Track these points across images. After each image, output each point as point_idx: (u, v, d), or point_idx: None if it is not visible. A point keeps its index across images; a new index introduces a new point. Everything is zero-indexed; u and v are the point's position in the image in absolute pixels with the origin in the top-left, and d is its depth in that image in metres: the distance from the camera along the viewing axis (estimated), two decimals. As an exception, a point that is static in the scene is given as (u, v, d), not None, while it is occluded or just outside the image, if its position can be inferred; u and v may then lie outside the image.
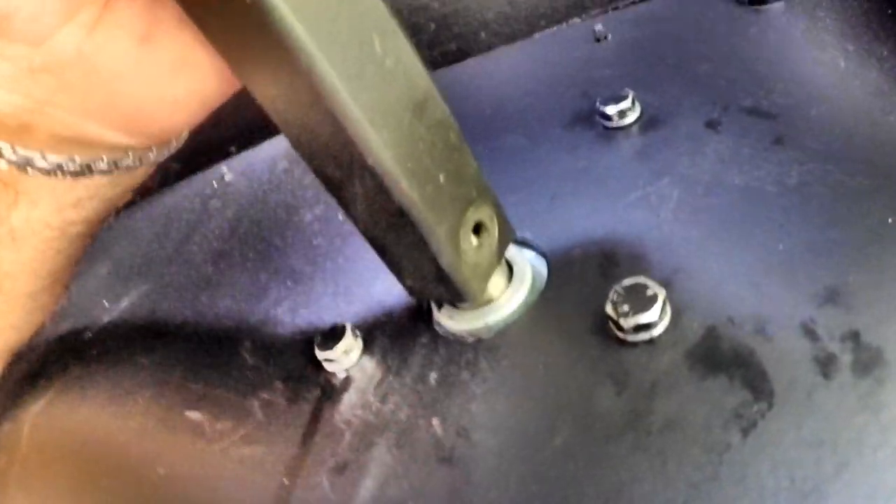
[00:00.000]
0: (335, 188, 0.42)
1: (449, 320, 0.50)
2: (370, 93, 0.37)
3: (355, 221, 0.44)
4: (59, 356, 0.75)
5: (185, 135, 0.51)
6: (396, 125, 0.38)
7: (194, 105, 0.43)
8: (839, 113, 0.52)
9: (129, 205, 0.94)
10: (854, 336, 0.39)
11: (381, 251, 0.45)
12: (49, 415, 0.67)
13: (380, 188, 0.39)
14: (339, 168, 0.40)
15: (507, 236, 0.48)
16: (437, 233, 0.41)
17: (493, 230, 0.46)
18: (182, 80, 0.41)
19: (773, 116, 0.54)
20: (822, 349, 0.39)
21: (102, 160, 0.46)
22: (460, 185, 0.43)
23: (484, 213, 0.45)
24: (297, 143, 0.40)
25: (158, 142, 0.48)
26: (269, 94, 0.38)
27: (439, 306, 0.52)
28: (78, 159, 0.45)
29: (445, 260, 0.43)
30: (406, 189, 0.39)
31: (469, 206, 0.44)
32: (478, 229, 0.45)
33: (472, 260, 0.45)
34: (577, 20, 0.76)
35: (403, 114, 0.39)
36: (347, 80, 0.36)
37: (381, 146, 0.37)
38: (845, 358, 0.38)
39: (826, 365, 0.38)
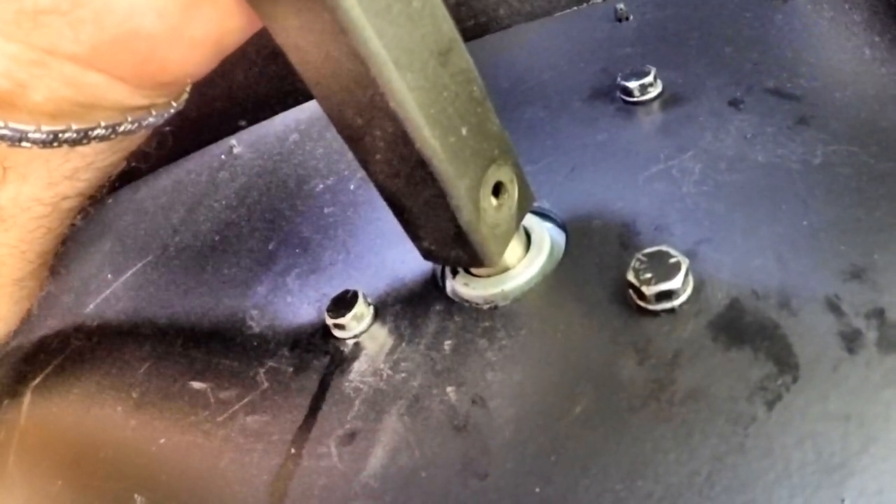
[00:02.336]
0: (354, 138, 0.41)
1: (464, 287, 0.49)
2: (395, 31, 0.36)
3: (373, 175, 0.42)
4: (59, 330, 0.74)
5: (185, 95, 0.49)
6: (420, 69, 0.37)
7: (209, 47, 0.41)
8: (864, 98, 0.51)
9: (134, 179, 0.94)
10: (879, 313, 0.38)
11: (398, 209, 0.44)
12: (49, 388, 0.67)
13: (400, 136, 0.38)
14: (360, 114, 0.38)
15: (528, 201, 0.47)
16: (457, 187, 0.40)
17: (514, 192, 0.45)
18: (200, 16, 0.39)
19: (797, 98, 0.53)
20: (847, 325, 0.38)
21: (100, 126, 0.44)
22: (482, 141, 0.42)
23: (505, 174, 0.44)
24: (316, 87, 0.39)
25: (164, 94, 0.46)
26: (291, 30, 0.37)
27: (454, 273, 0.50)
28: (75, 126, 0.43)
29: (464, 217, 0.41)
30: (428, 137, 0.38)
31: (490, 164, 0.43)
32: (498, 190, 0.44)
33: (491, 220, 0.43)
34: (598, 0, 0.75)
35: (428, 58, 0.38)
36: (373, 16, 0.34)
37: (403, 89, 0.36)
38: (871, 334, 0.37)
39: (851, 340, 0.37)
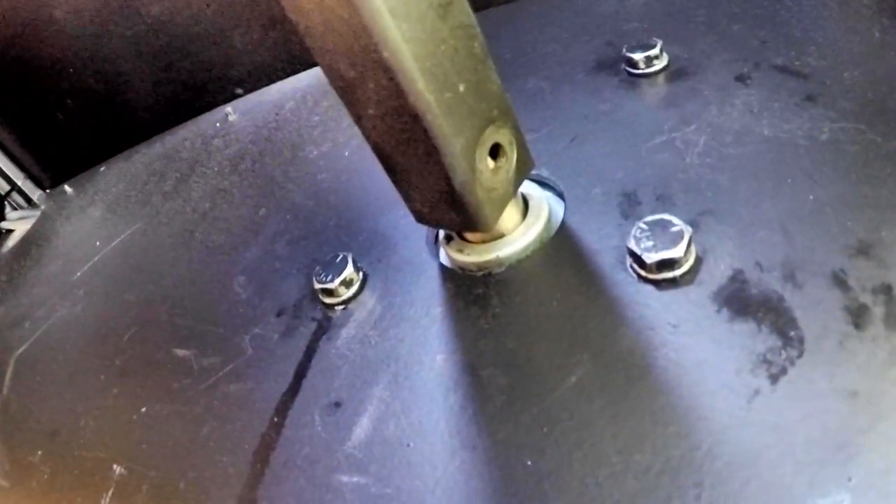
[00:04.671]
0: (347, 91, 0.39)
1: (458, 253, 0.48)
2: None
3: (366, 131, 0.41)
4: (45, 297, 0.73)
5: None
6: (418, 19, 0.36)
7: None
8: (872, 78, 0.50)
9: (127, 147, 0.93)
10: (887, 289, 0.37)
11: (391, 168, 0.42)
12: (32, 357, 0.66)
13: (394, 89, 0.36)
14: (353, 65, 0.37)
15: (527, 166, 0.45)
16: (452, 146, 0.39)
17: (512, 156, 0.43)
18: None
19: (805, 76, 0.52)
20: (854, 300, 0.37)
21: None
22: (481, 100, 0.40)
23: (504, 136, 0.42)
24: (309, 36, 0.37)
25: None
26: None
27: (448, 239, 0.49)
28: None
29: (458, 178, 0.40)
30: (422, 91, 0.36)
31: (489, 124, 0.41)
32: (496, 153, 0.43)
33: (487, 183, 0.42)
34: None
35: (427, 10, 0.36)
36: None
37: (398, 38, 0.35)
38: (878, 310, 0.36)
39: (858, 315, 0.36)
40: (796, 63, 0.53)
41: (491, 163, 0.42)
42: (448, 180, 0.40)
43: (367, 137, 0.41)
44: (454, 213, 0.42)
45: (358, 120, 0.41)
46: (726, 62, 0.56)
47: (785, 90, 0.51)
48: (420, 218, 0.45)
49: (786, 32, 0.57)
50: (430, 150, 0.39)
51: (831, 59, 0.53)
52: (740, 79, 0.54)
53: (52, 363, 0.64)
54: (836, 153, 0.45)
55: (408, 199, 0.44)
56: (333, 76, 0.39)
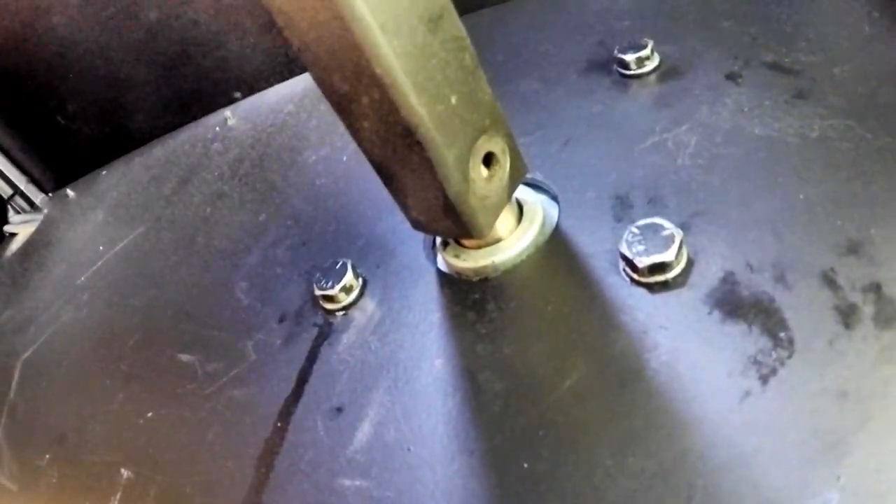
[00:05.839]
0: (342, 105, 0.40)
1: (455, 259, 0.48)
2: None
3: (361, 143, 0.41)
4: (50, 302, 0.74)
5: None
6: (409, 35, 0.36)
7: None
8: (863, 74, 0.50)
9: (128, 151, 0.93)
10: (876, 288, 0.37)
11: (387, 179, 0.43)
12: (39, 361, 0.66)
13: (387, 103, 0.37)
14: (346, 80, 0.37)
15: (520, 172, 0.46)
16: (445, 157, 0.39)
17: (505, 163, 0.44)
18: None
19: (795, 73, 0.52)
20: (844, 299, 0.37)
21: None
22: (473, 111, 0.41)
23: (496, 145, 0.43)
24: (303, 52, 0.38)
25: None
26: None
27: (445, 244, 0.50)
28: None
29: (453, 188, 0.40)
30: (414, 104, 0.37)
31: (481, 134, 0.42)
32: (489, 161, 0.43)
33: (480, 191, 0.42)
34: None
35: (417, 25, 0.37)
36: None
37: (390, 54, 0.35)
38: (867, 309, 0.36)
39: (848, 315, 0.37)
40: (786, 59, 0.54)
41: (484, 171, 0.43)
42: (442, 190, 0.41)
43: (363, 148, 0.42)
44: (449, 222, 0.43)
45: (353, 132, 0.41)
46: (717, 60, 0.57)
47: (775, 87, 0.51)
48: (416, 225, 0.46)
49: (776, 28, 0.58)
50: (424, 162, 0.39)
51: (821, 55, 0.53)
52: (731, 77, 0.54)
53: (58, 367, 0.65)
54: (827, 151, 0.45)
55: (404, 207, 0.45)
56: (328, 90, 0.39)
